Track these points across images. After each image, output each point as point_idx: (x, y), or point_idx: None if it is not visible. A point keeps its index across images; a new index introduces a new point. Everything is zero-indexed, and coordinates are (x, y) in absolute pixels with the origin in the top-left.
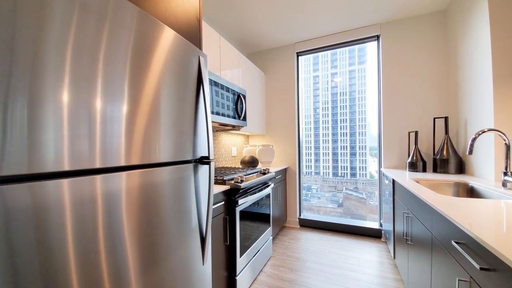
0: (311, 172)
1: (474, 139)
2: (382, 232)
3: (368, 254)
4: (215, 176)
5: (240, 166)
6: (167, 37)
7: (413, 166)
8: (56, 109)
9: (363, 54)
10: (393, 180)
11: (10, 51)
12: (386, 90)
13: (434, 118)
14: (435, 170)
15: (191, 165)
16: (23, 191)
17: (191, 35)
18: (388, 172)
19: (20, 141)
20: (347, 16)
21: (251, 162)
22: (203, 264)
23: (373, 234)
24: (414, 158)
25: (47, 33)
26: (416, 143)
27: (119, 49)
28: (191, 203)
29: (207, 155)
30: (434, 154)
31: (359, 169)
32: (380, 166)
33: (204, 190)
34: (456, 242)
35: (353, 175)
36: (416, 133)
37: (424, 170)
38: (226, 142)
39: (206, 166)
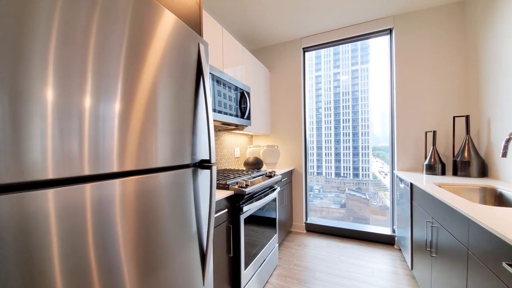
0: (313, 173)
1: (508, 140)
2: (396, 239)
3: (382, 263)
4: (217, 180)
5: (244, 168)
6: (166, 22)
7: (430, 169)
8: (39, 110)
9: (366, 53)
10: (411, 185)
11: None
12: (399, 87)
13: (454, 117)
14: (455, 173)
15: (189, 170)
16: (9, 204)
17: (190, 21)
18: (404, 175)
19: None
20: (358, 8)
21: (256, 164)
22: (203, 285)
23: (385, 241)
24: (432, 160)
25: (28, 21)
26: (434, 144)
27: (112, 38)
28: (190, 214)
29: (208, 158)
30: (453, 155)
31: (362, 169)
32: (392, 168)
33: (205, 198)
34: (510, 265)
35: (356, 175)
36: (434, 133)
37: (443, 173)
38: (228, 143)
39: (207, 171)
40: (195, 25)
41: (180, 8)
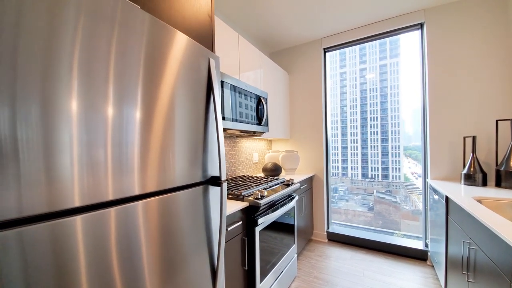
0: (338, 173)
1: None
2: (428, 254)
3: (412, 281)
4: (232, 191)
5: (262, 174)
6: (178, 43)
7: (469, 179)
8: (68, 141)
9: (396, 46)
10: (447, 198)
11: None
12: (432, 87)
13: (497, 121)
14: (498, 184)
15: (201, 188)
16: (42, 233)
17: (202, 33)
18: (438, 186)
19: (36, 178)
20: (383, 2)
21: (274, 170)
22: None
23: (417, 256)
24: (472, 169)
25: (55, 41)
26: (473, 151)
27: (130, 61)
28: (202, 230)
29: (218, 175)
30: (496, 164)
31: (392, 170)
32: (425, 176)
33: (216, 214)
34: None
35: (385, 177)
36: (474, 138)
37: (484, 183)
38: (247, 148)
39: (218, 188)
40: (207, 37)
41: (193, 21)
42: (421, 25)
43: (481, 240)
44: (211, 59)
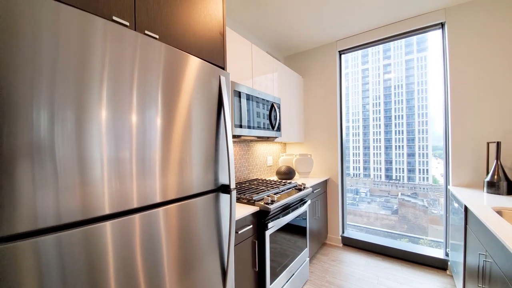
0: (359, 174)
1: None
2: (449, 263)
3: None
4: (244, 194)
5: (276, 177)
6: (190, 65)
7: (493, 187)
8: (100, 158)
9: (423, 40)
10: (466, 208)
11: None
12: (454, 90)
13: None
14: None
15: (213, 195)
16: (77, 237)
17: (215, 51)
18: (459, 193)
19: (72, 191)
20: (400, 2)
21: (287, 173)
22: None
23: (436, 265)
24: (495, 176)
25: (87, 71)
26: (497, 158)
27: (150, 89)
28: (213, 235)
29: (227, 183)
30: None
31: (419, 172)
32: (447, 182)
33: (226, 219)
34: None
35: (411, 178)
36: (498, 144)
37: (509, 192)
38: (261, 152)
39: (228, 196)
40: (219, 54)
41: (204, 42)
42: (442, 25)
43: (496, 254)
44: (221, 76)
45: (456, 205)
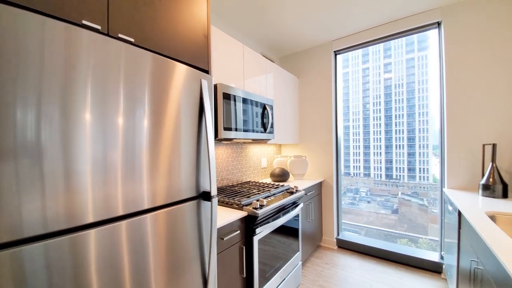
0: (359, 174)
1: None
2: (443, 267)
3: None
4: (233, 199)
5: (270, 180)
6: (175, 71)
7: (488, 190)
8: (83, 168)
9: (424, 39)
10: (459, 212)
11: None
12: (450, 90)
13: None
14: None
15: (193, 203)
16: (59, 246)
17: (197, 54)
18: (454, 196)
19: (58, 199)
20: (396, 1)
21: (281, 176)
22: None
23: (431, 268)
24: (491, 179)
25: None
26: (493, 160)
27: (137, 93)
28: (194, 243)
29: (208, 190)
30: None
31: (420, 171)
32: (442, 185)
33: (208, 227)
34: None
35: (412, 177)
36: (494, 146)
37: (505, 195)
38: (255, 154)
39: (209, 203)
40: (203, 58)
41: (186, 45)
42: (438, 24)
43: (487, 262)
44: (202, 80)
45: (450, 208)
